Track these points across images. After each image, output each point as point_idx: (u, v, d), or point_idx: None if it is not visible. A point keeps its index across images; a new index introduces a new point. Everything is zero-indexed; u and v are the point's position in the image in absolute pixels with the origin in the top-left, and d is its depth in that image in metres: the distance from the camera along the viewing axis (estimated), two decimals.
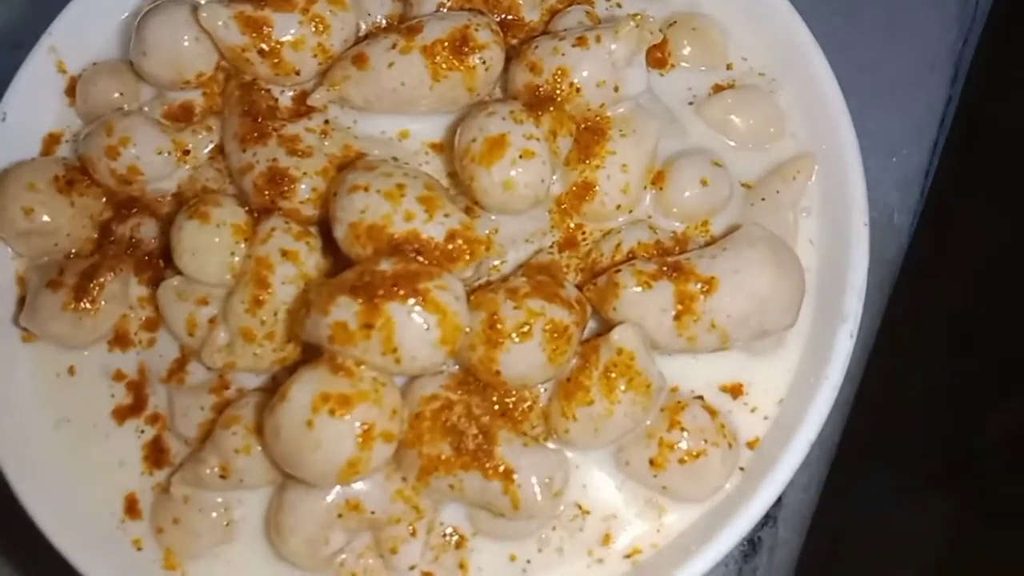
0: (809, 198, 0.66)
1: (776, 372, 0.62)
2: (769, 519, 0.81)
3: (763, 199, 0.65)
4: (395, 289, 0.52)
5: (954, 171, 0.94)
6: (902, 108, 0.94)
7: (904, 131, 0.93)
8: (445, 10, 0.66)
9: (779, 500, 0.62)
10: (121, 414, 0.63)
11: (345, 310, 0.53)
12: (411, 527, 0.58)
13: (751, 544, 0.81)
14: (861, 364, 0.84)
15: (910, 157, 0.93)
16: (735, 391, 0.62)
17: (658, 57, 0.69)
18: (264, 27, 0.63)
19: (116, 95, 0.68)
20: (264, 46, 0.63)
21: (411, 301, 0.52)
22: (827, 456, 0.83)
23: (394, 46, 0.62)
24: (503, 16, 0.69)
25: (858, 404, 0.83)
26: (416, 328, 0.52)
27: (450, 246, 0.56)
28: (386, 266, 0.54)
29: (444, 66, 0.62)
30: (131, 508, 0.62)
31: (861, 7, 0.97)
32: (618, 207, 0.63)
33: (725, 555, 0.57)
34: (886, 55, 0.95)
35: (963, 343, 0.91)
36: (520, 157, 0.58)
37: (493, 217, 0.62)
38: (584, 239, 0.64)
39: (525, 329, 0.54)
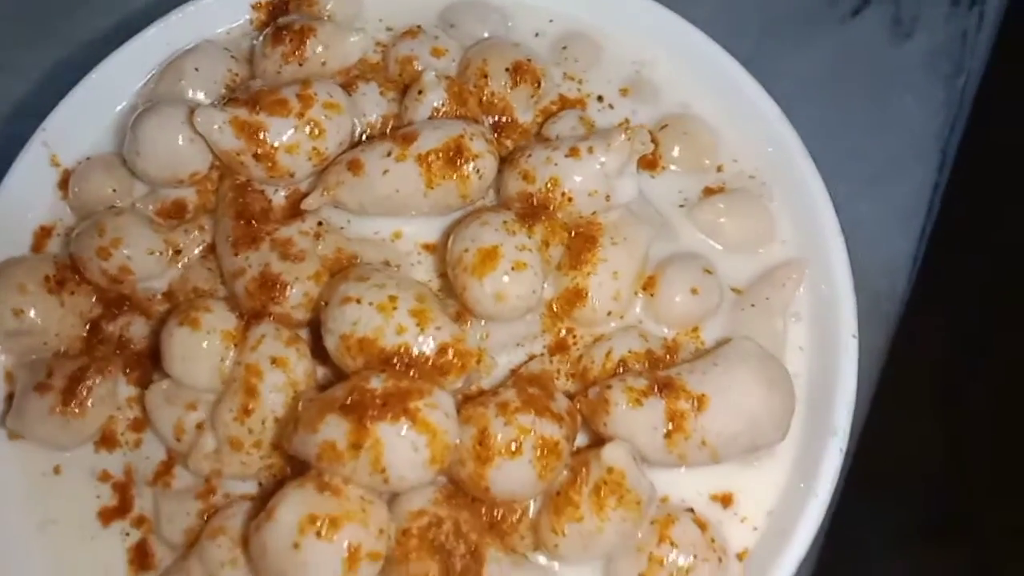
0: (799, 304, 0.66)
1: (766, 482, 0.62)
2: None
3: (753, 305, 0.65)
4: (385, 409, 0.52)
5: (941, 258, 0.95)
6: (890, 195, 0.95)
7: (892, 218, 0.94)
8: (440, 115, 0.67)
9: None
10: (107, 516, 0.62)
11: (334, 429, 0.52)
12: None
13: None
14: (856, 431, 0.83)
15: (898, 244, 0.94)
16: (725, 500, 0.61)
17: (649, 159, 0.70)
18: (259, 132, 0.63)
19: (109, 191, 0.68)
20: (259, 150, 0.63)
21: (401, 421, 0.52)
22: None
23: (389, 154, 0.63)
24: (497, 118, 0.70)
25: (855, 467, 0.82)
26: (405, 449, 0.52)
27: (441, 360, 0.56)
28: (376, 384, 0.53)
29: (438, 175, 0.62)
30: None
31: (850, 95, 0.98)
32: (609, 314, 0.63)
33: None
34: (875, 142, 0.97)
35: (955, 422, 0.91)
36: (512, 269, 0.59)
37: (483, 323, 0.63)
38: (575, 343, 0.64)
39: (515, 446, 0.54)
